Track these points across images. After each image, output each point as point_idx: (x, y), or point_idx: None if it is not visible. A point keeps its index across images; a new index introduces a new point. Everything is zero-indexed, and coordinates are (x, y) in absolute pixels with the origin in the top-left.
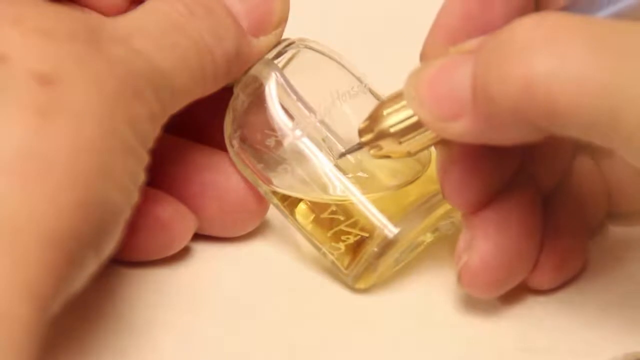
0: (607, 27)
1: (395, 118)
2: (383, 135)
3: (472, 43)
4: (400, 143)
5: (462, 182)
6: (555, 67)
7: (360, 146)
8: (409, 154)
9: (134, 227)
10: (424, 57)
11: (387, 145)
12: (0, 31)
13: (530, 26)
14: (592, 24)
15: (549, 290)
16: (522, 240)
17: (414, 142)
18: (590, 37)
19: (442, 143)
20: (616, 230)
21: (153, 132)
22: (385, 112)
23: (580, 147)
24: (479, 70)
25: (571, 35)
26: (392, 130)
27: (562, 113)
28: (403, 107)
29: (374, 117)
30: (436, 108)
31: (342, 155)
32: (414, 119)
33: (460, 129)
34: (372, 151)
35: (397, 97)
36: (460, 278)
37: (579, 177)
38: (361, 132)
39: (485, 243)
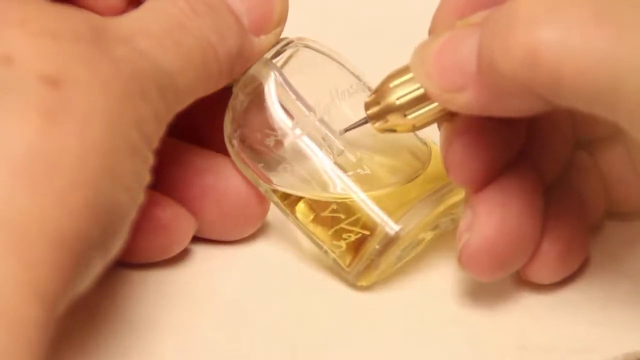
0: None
1: (402, 91)
2: (389, 108)
3: (478, 16)
4: (405, 116)
5: (465, 154)
6: (559, 37)
7: (365, 120)
8: (414, 128)
9: (133, 229)
10: (432, 31)
11: (393, 119)
12: (6, 33)
13: None
14: None
15: (550, 289)
16: (524, 222)
17: (419, 116)
18: (593, 8)
19: (447, 117)
20: (616, 229)
21: (158, 132)
22: (391, 85)
23: (580, 145)
24: (484, 41)
25: (575, 6)
26: (398, 102)
27: (565, 83)
28: (409, 80)
29: (380, 90)
30: (442, 79)
31: (347, 130)
32: (420, 92)
33: (466, 100)
34: (377, 124)
35: (403, 70)
36: (460, 258)
37: (579, 173)
38: (367, 106)
39: (487, 221)
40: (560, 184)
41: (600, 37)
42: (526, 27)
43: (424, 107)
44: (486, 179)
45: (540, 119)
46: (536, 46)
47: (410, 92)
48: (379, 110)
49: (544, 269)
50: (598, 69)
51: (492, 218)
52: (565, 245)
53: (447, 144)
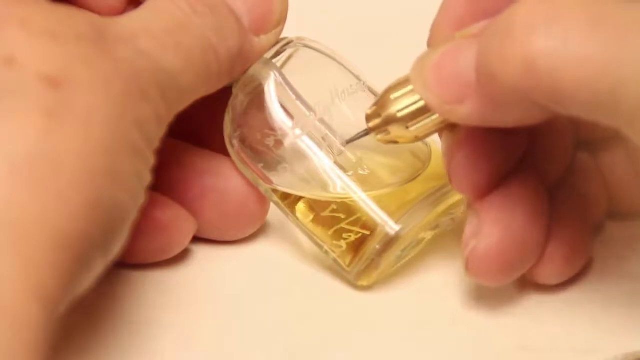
0: (608, 6)
1: (403, 103)
2: (390, 120)
3: (477, 27)
4: (407, 128)
5: (468, 165)
6: (556, 45)
7: (367, 132)
8: (417, 139)
9: (133, 230)
10: (430, 43)
11: (395, 131)
12: (7, 33)
13: (531, 6)
14: (593, 3)
15: (550, 289)
16: (529, 226)
17: (421, 127)
18: (591, 16)
19: (449, 128)
20: (617, 229)
21: (159, 132)
22: (392, 97)
23: (581, 146)
24: (481, 51)
25: (572, 14)
26: (399, 115)
27: (564, 92)
28: (410, 91)
29: (381, 102)
30: (442, 91)
31: (350, 141)
32: (421, 103)
33: (466, 111)
34: (379, 136)
35: (404, 82)
36: (467, 265)
37: (581, 174)
38: (368, 118)
39: (493, 228)
40: (563, 186)
41: (597, 45)
42: (523, 37)
43: (425, 118)
44: (490, 187)
45: (542, 124)
46: (533, 55)
47: (411, 104)
48: (381, 122)
49: (550, 270)
50: (597, 77)
51: (498, 225)
52: (570, 246)
53: (449, 155)
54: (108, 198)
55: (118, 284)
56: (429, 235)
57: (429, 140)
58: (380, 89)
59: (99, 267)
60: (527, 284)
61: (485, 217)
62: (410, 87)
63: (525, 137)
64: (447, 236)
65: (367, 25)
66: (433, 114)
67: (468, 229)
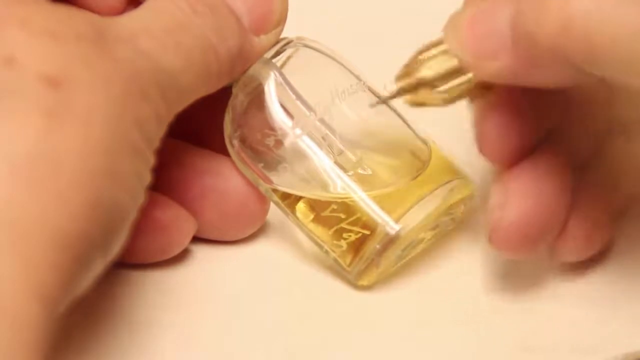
0: None
1: (432, 63)
2: (420, 81)
3: None
4: (436, 89)
5: (499, 131)
6: (592, 6)
7: (397, 93)
8: (444, 102)
9: (133, 230)
10: (466, 1)
11: (423, 92)
12: (7, 33)
13: None
14: None
15: (550, 289)
16: (554, 201)
17: (450, 89)
18: None
19: (477, 93)
20: (620, 228)
21: (159, 132)
22: (422, 57)
23: (613, 128)
24: (518, 9)
25: None
26: (428, 75)
27: (598, 52)
28: (441, 52)
29: (411, 63)
30: (475, 47)
31: (379, 102)
32: (451, 64)
33: (499, 67)
34: (407, 97)
35: (435, 43)
36: (491, 235)
37: (611, 155)
38: (398, 79)
39: (521, 199)
40: (592, 164)
41: (632, 6)
42: None
43: (455, 80)
44: (519, 156)
45: (576, 98)
46: (569, 15)
47: (441, 65)
48: (410, 83)
49: (571, 246)
50: (630, 38)
51: (525, 196)
52: (591, 224)
53: (480, 121)
54: (108, 198)
55: (118, 284)
56: (429, 235)
57: (429, 140)
58: (380, 89)
59: (99, 267)
60: (527, 284)
61: (513, 187)
62: (441, 48)
63: (559, 108)
64: (447, 236)
65: (367, 25)
66: (463, 76)
67: (494, 199)
